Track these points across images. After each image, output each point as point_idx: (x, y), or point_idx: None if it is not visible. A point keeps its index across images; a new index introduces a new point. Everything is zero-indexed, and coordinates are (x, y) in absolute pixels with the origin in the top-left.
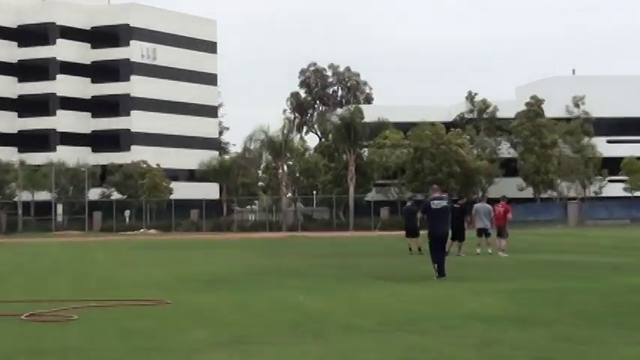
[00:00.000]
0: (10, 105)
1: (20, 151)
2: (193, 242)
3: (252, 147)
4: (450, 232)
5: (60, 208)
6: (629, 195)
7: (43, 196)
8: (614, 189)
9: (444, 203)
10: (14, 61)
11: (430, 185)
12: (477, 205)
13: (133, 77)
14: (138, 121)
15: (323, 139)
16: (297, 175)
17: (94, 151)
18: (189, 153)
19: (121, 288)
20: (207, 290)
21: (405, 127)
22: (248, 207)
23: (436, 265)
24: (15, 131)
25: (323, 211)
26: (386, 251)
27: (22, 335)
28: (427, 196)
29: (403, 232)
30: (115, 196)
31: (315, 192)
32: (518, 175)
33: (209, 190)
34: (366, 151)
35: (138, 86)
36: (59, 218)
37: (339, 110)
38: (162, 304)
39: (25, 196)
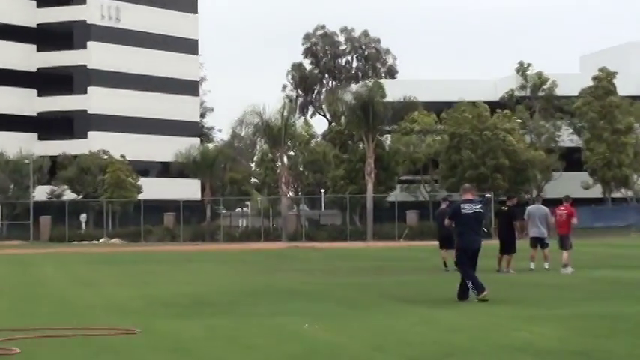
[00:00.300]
0: None
1: None
2: (168, 255)
3: (242, 133)
4: (479, 245)
5: None
6: None
7: None
8: None
9: (478, 208)
10: None
11: (468, 183)
12: (530, 208)
13: (90, 44)
14: (97, 100)
15: (333, 124)
16: (301, 169)
17: (40, 138)
18: (163, 141)
19: (77, 313)
20: (186, 316)
21: (438, 108)
22: (238, 210)
23: (470, 283)
24: None
25: (333, 216)
26: (414, 267)
27: None
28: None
29: (436, 243)
30: (68, 196)
31: (323, 191)
32: (583, 169)
33: (188, 189)
34: (388, 139)
35: (97, 55)
36: None
37: (353, 86)
38: (128, 334)
39: None
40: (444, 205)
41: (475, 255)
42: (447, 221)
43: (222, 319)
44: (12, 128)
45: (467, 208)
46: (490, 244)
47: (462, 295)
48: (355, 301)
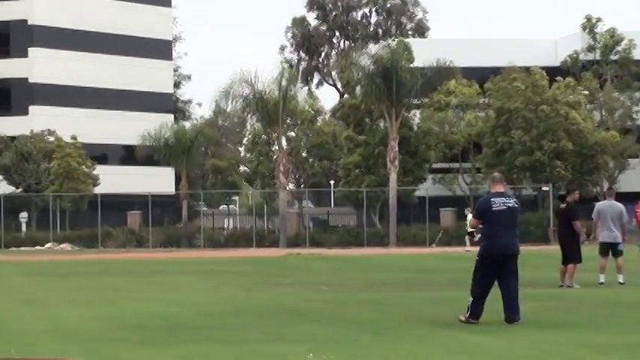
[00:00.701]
0: None
1: None
2: (133, 265)
3: (229, 108)
4: (517, 251)
5: None
6: None
7: None
8: None
9: (512, 203)
10: None
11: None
12: (600, 205)
13: None
14: (41, 65)
15: (346, 96)
16: (304, 154)
17: None
18: (126, 118)
19: (13, 340)
20: (155, 343)
21: (481, 76)
22: (223, 208)
23: (470, 301)
24: None
25: (346, 215)
26: (450, 280)
27: None
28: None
29: None
30: (4, 188)
31: (332, 183)
32: None
33: (158, 180)
34: (417, 116)
35: (41, 8)
36: None
37: (372, 48)
38: None
39: None
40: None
41: (511, 263)
42: (472, 220)
43: (202, 348)
44: None
45: (498, 203)
46: (549, 251)
47: (511, 314)
48: (374, 323)
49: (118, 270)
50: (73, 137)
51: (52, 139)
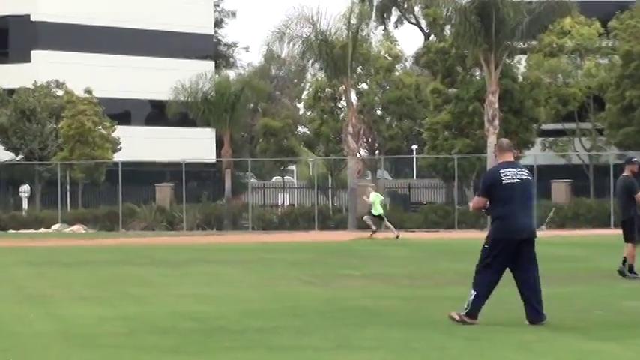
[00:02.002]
0: None
1: None
2: (163, 251)
3: (284, 54)
4: (533, 234)
5: None
6: None
7: None
8: None
9: (525, 175)
10: None
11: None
12: None
13: None
14: (47, 1)
15: (432, 38)
16: (379, 112)
17: None
18: (154, 67)
19: (15, 345)
20: (188, 351)
21: (604, 12)
22: (277, 179)
23: (473, 295)
24: None
25: (432, 189)
26: (565, 271)
27: None
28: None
29: (610, 231)
30: (0, 155)
31: (415, 148)
32: None
33: (195, 145)
34: (522, 63)
35: None
36: None
37: None
38: None
39: None
40: (626, 173)
41: (528, 250)
42: (477, 200)
43: (249, 356)
44: None
45: (510, 176)
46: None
47: (536, 314)
48: (466, 326)
49: (143, 258)
50: (88, 90)
51: (60, 92)
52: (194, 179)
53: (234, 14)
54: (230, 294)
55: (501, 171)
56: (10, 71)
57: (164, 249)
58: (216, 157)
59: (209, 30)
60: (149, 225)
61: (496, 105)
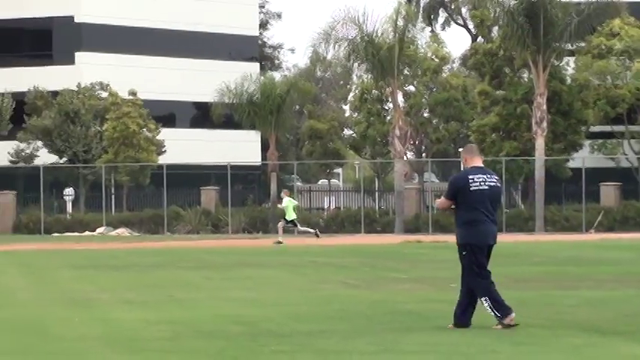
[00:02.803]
0: None
1: None
2: (208, 255)
3: (330, 55)
4: (495, 239)
5: None
6: None
7: None
8: None
9: (494, 181)
10: None
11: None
12: None
13: None
14: (91, 0)
15: (480, 39)
16: (426, 114)
17: None
18: (199, 68)
19: (60, 350)
20: (234, 356)
21: None
22: (323, 182)
23: (487, 301)
24: None
25: None
26: (616, 275)
27: None
28: None
29: None
30: (44, 157)
31: (461, 150)
32: None
33: (240, 147)
34: (570, 64)
35: None
36: None
37: None
38: None
39: None
40: None
41: (488, 253)
42: (442, 201)
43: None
44: None
45: (478, 182)
46: None
47: (462, 318)
48: (515, 330)
49: (188, 262)
50: (132, 92)
51: (104, 94)
52: (239, 182)
53: (279, 16)
54: (276, 297)
55: (470, 176)
56: (54, 73)
57: (209, 252)
58: (262, 160)
59: (254, 31)
60: (194, 228)
61: (544, 107)
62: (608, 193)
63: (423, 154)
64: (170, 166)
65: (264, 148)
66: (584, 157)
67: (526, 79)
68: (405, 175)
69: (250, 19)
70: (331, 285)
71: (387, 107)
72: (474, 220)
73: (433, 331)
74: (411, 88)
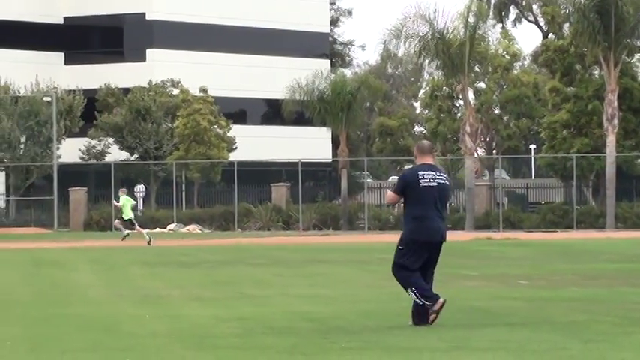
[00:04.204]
0: None
1: None
2: (278, 251)
3: (400, 53)
4: (444, 237)
5: (1, 178)
6: None
7: None
8: None
9: (443, 179)
10: None
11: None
12: None
13: None
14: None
15: (551, 36)
16: (497, 111)
17: (69, 61)
18: (270, 65)
19: (131, 346)
20: (305, 352)
21: None
22: (393, 179)
23: (413, 290)
24: None
25: (550, 188)
26: None
27: None
28: None
29: None
30: (115, 154)
31: (534, 148)
32: None
33: (311, 144)
34: None
35: None
36: (0, 201)
37: None
38: None
39: None
40: None
41: (436, 252)
42: (391, 196)
43: (366, 357)
44: (22, 44)
45: (427, 179)
46: None
47: (418, 316)
48: (585, 327)
49: (259, 258)
50: (203, 89)
51: (175, 91)
52: (310, 179)
53: (350, 13)
54: (346, 294)
55: (420, 173)
56: (126, 70)
57: (280, 249)
58: (332, 157)
59: (325, 28)
60: (265, 225)
61: (615, 104)
62: None
63: (494, 151)
64: (241, 163)
65: (335, 145)
66: None
67: (597, 76)
68: (476, 171)
69: (321, 16)
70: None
71: (457, 104)
72: (422, 216)
73: (504, 328)
74: (482, 85)
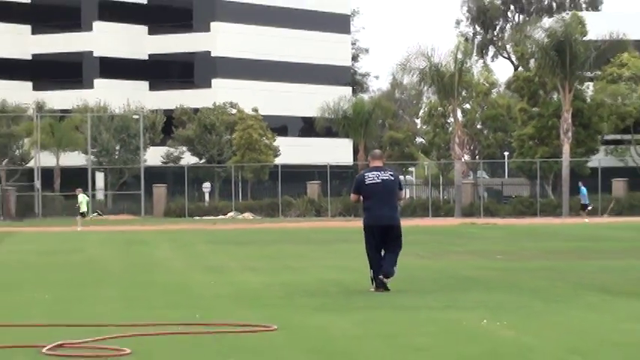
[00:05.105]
0: (20, 15)
1: (37, 87)
2: (312, 233)
3: (406, 81)
4: (394, 222)
5: (100, 178)
6: None
7: (73, 159)
8: None
9: (386, 176)
10: None
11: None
12: None
13: None
14: (223, 39)
15: (520, 69)
16: (479, 126)
17: (153, 87)
18: (305, 91)
19: (200, 305)
20: (333, 309)
21: None
22: (400, 178)
23: (372, 272)
24: (28, 56)
25: (519, 185)
26: (622, 249)
27: None
28: None
29: None
30: (188, 159)
31: (507, 154)
32: None
33: (337, 151)
34: (590, 88)
35: None
36: (99, 194)
37: (546, 21)
38: (265, 331)
39: (45, 159)
40: None
41: (391, 232)
42: (352, 196)
43: (378, 313)
44: (117, 75)
45: (372, 177)
46: None
47: (385, 273)
48: (546, 291)
49: (297, 238)
50: (254, 109)
51: (234, 111)
52: (336, 178)
53: (367, 51)
54: (365, 265)
55: (366, 174)
56: (195, 95)
57: (314, 231)
58: (353, 161)
59: (348, 63)
60: (302, 213)
61: (569, 121)
62: (618, 186)
63: (477, 157)
64: (283, 166)
65: (355, 151)
66: (599, 159)
67: (555, 99)
68: (463, 172)
69: (345, 54)
70: (406, 257)
71: (449, 121)
72: (369, 207)
73: (484, 292)
74: (467, 106)
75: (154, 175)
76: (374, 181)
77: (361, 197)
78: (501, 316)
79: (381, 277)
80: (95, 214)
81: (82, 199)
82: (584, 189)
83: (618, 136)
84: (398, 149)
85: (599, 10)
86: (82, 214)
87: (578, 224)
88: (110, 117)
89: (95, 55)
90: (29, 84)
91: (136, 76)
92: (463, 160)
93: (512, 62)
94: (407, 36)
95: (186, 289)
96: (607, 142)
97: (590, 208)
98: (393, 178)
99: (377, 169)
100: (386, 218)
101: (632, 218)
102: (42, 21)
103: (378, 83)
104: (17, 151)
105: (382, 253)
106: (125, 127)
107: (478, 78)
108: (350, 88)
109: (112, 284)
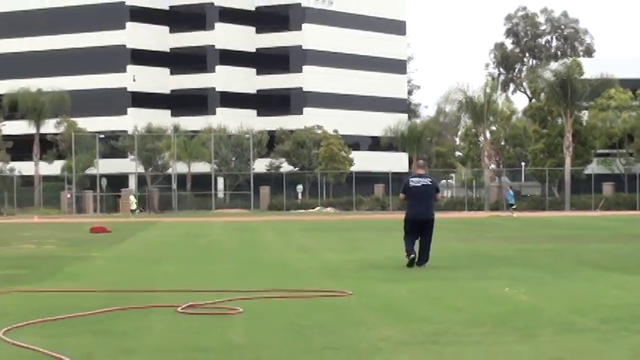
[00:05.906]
0: (162, 60)
1: (174, 114)
2: (378, 223)
3: (447, 109)
4: (428, 218)
5: (220, 182)
6: None
7: (200, 167)
8: None
9: (426, 181)
10: (165, 7)
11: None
12: None
13: (305, 26)
14: (311, 79)
15: (533, 100)
16: (502, 143)
17: (259, 114)
18: (373, 116)
19: (295, 276)
20: (393, 279)
21: (634, 86)
22: (443, 182)
23: (411, 256)
24: (167, 91)
25: (533, 187)
26: (610, 235)
27: (180, 330)
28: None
29: (637, 212)
30: (285, 167)
31: (523, 164)
32: None
33: (396, 161)
34: (585, 115)
35: (311, 36)
36: (220, 194)
37: (552, 64)
38: (343, 295)
39: (179, 167)
40: None
41: (426, 225)
42: (400, 195)
43: (427, 283)
44: (234, 105)
45: (415, 182)
46: None
47: (419, 261)
48: (553, 266)
49: (367, 227)
50: (335, 130)
51: (319, 131)
52: (396, 181)
53: (419, 87)
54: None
55: (411, 179)
56: (291, 120)
57: (379, 222)
58: (408, 169)
59: (404, 96)
60: (370, 208)
61: (570, 139)
62: (607, 188)
63: (500, 166)
64: (357, 173)
65: (410, 162)
66: (593, 168)
67: (560, 123)
68: (490, 177)
69: (402, 89)
70: (448, 241)
71: (480, 139)
72: (410, 204)
73: (506, 267)
74: (494, 128)
75: (261, 179)
76: (416, 185)
77: (406, 197)
78: (519, 285)
79: (412, 256)
80: (138, 210)
81: (132, 199)
82: (511, 192)
83: (607, 151)
84: (442, 160)
85: (592, 57)
86: (132, 211)
87: (577, 217)
88: (228, 136)
89: (217, 90)
90: (168, 112)
91: (247, 106)
92: (490, 168)
93: (527, 95)
94: (448, 75)
95: (284, 264)
96: (599, 155)
97: (514, 207)
98: (431, 184)
99: (420, 175)
100: (422, 214)
101: (618, 212)
102: (178, 65)
103: (427, 111)
104: (159, 161)
105: (418, 239)
106: (239, 144)
107: (502, 107)
108: (406, 115)
109: (229, 260)
